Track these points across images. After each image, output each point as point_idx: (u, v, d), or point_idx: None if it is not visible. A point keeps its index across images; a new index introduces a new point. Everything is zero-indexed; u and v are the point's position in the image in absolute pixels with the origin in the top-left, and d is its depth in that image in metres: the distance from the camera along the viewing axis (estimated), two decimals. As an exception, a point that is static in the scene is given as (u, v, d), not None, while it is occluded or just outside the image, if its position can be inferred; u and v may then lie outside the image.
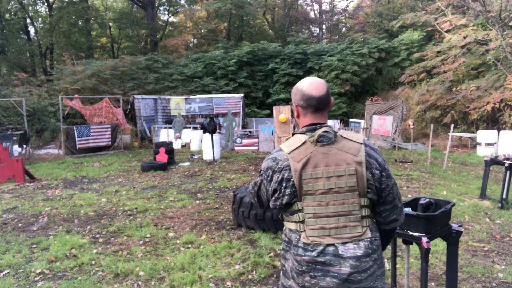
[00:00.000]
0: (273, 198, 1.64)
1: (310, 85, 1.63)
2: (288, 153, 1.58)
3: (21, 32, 27.93)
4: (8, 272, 3.87)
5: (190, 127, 16.02)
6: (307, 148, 1.57)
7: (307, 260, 1.53)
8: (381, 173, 1.58)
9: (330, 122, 16.98)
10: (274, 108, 10.64)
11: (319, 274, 1.51)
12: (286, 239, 1.64)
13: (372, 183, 1.56)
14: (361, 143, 1.58)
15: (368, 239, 1.55)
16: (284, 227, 1.69)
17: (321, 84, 1.64)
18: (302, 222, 1.57)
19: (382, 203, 1.62)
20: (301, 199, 1.56)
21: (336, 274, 1.50)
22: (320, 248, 1.53)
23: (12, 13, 26.98)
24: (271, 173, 1.63)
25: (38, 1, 28.51)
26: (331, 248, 1.52)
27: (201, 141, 12.74)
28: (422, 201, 2.64)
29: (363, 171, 1.54)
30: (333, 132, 1.58)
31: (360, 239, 1.54)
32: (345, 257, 1.51)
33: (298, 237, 1.57)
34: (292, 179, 1.56)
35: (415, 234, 2.47)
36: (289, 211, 1.61)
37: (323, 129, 1.59)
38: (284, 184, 1.58)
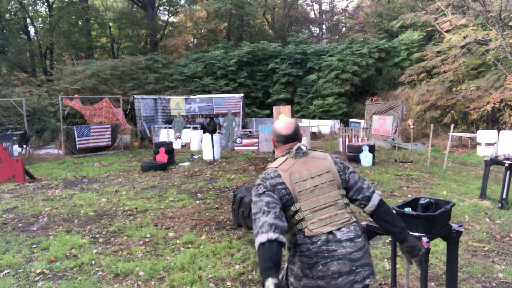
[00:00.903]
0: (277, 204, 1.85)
1: (281, 126, 2.08)
2: (277, 167, 1.95)
3: (21, 32, 27.92)
4: (8, 272, 3.87)
5: (190, 127, 16.02)
6: (289, 162, 1.97)
7: (315, 251, 1.82)
8: (343, 165, 2.02)
9: (330, 122, 17.01)
10: (274, 108, 10.66)
11: (328, 260, 1.80)
12: (291, 245, 1.91)
13: (342, 174, 1.98)
14: (325, 152, 2.06)
15: (355, 223, 1.92)
16: (287, 239, 1.90)
17: (290, 125, 2.08)
18: (303, 219, 1.87)
19: (350, 188, 1.99)
20: (297, 200, 1.88)
21: (340, 256, 1.81)
22: (323, 237, 1.83)
23: (12, 13, 26.97)
24: (265, 181, 1.91)
25: (38, 1, 28.51)
26: (330, 236, 1.84)
27: (201, 141, 12.74)
28: (422, 201, 2.63)
29: (333, 167, 1.97)
30: (305, 147, 2.03)
31: (349, 223, 1.90)
32: (343, 240, 1.84)
33: (302, 235, 1.86)
34: (284, 183, 1.89)
35: (415, 234, 2.46)
36: (290, 215, 1.89)
37: (297, 145, 2.01)
38: (279, 187, 1.88)
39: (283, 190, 1.87)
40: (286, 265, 1.95)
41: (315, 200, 1.88)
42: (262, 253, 1.64)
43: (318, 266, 1.80)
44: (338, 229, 1.86)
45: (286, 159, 1.98)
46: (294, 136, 2.05)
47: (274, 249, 1.64)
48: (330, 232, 1.84)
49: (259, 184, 1.90)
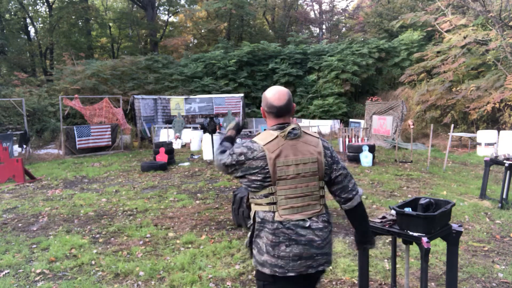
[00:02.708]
0: (247, 179, 1.90)
1: (273, 96, 1.93)
2: (264, 145, 1.87)
3: (21, 32, 27.90)
4: (8, 272, 3.87)
5: (190, 127, 16.01)
6: (278, 141, 1.88)
7: (283, 232, 1.84)
8: (331, 159, 1.94)
9: (330, 122, 17.00)
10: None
11: (293, 243, 1.84)
12: (259, 219, 1.90)
13: (327, 169, 1.93)
14: (318, 138, 1.96)
15: (324, 215, 1.94)
16: (253, 211, 1.95)
17: (283, 95, 1.93)
18: (275, 203, 1.86)
19: (334, 183, 1.96)
20: (275, 183, 1.86)
21: (306, 242, 1.85)
22: (293, 222, 1.85)
23: (12, 13, 26.96)
24: (243, 159, 1.88)
25: (38, 1, 28.50)
26: (301, 222, 1.86)
27: (201, 141, 12.73)
28: (422, 201, 2.63)
29: (322, 159, 1.90)
30: (299, 129, 1.92)
31: (319, 214, 1.92)
32: (313, 228, 1.87)
33: (272, 215, 1.87)
34: (267, 167, 1.84)
35: (415, 234, 2.47)
36: (262, 194, 1.88)
37: (291, 126, 1.91)
38: (257, 171, 1.86)
39: (260, 175, 1.85)
40: (252, 237, 1.96)
41: (293, 187, 1.86)
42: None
43: (281, 246, 1.84)
44: (309, 218, 1.88)
45: (276, 137, 1.88)
46: (286, 108, 1.93)
47: None
48: (302, 220, 1.87)
49: (240, 154, 1.88)
